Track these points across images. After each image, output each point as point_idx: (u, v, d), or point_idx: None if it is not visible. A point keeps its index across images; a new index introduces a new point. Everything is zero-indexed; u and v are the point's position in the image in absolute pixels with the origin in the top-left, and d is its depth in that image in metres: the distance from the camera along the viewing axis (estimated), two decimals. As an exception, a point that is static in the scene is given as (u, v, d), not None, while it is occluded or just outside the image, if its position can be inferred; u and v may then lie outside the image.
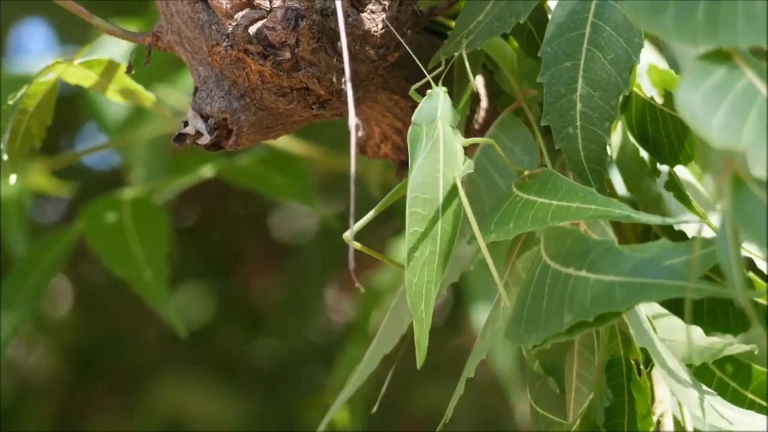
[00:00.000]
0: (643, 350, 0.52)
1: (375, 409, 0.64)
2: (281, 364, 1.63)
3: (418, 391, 1.52)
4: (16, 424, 1.51)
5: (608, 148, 0.57)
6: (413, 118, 0.58)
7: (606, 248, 0.49)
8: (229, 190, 1.36)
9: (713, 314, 0.59)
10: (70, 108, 1.31)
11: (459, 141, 0.58)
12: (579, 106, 0.57)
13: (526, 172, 0.59)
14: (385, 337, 0.63)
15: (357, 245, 0.56)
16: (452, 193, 0.57)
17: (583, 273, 0.49)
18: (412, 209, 0.57)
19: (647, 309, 0.55)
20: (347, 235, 0.56)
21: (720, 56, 0.45)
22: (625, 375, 0.52)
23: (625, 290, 0.47)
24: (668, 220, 0.52)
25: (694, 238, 0.48)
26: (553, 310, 0.48)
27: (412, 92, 0.60)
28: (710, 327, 0.59)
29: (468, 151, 0.59)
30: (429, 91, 0.59)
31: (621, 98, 0.57)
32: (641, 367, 0.51)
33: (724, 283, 0.47)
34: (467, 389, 0.56)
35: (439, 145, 0.57)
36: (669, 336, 0.55)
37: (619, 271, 0.48)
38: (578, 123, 0.57)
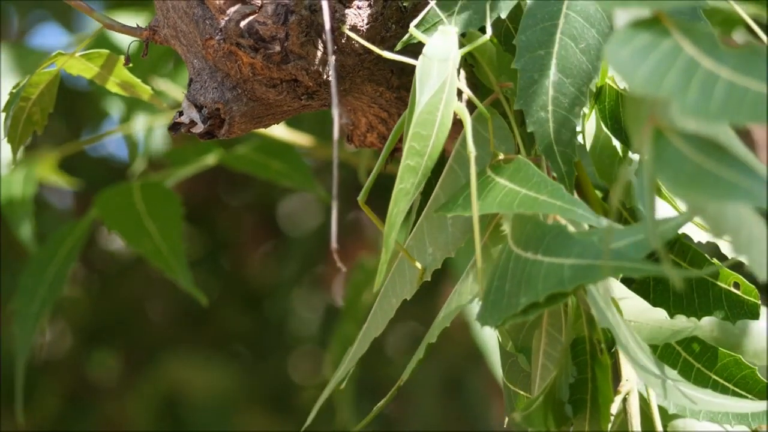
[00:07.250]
0: (608, 331, 0.53)
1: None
2: (280, 342, 1.64)
3: (387, 368, 1.51)
4: (30, 397, 1.52)
5: (578, 133, 0.57)
6: (425, 50, 0.57)
7: (558, 233, 0.49)
8: (228, 176, 1.37)
9: (678, 297, 0.59)
10: (85, 104, 1.31)
11: (458, 86, 0.58)
12: (551, 91, 0.57)
13: (501, 156, 0.59)
14: (375, 321, 0.63)
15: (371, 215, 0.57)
16: (441, 132, 0.57)
17: (539, 257, 0.49)
18: (410, 143, 0.57)
19: (615, 292, 0.56)
20: (360, 198, 0.58)
21: (650, 22, 0.45)
22: (588, 354, 0.52)
23: (571, 272, 0.47)
24: (617, 226, 0.52)
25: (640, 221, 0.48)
26: (513, 292, 0.49)
27: (412, 29, 0.59)
28: (675, 309, 0.59)
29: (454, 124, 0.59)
30: (442, 27, 0.58)
31: (593, 85, 0.57)
32: (602, 346, 0.52)
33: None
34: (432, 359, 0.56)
35: (446, 87, 0.57)
36: (635, 318, 0.56)
37: (568, 254, 0.48)
38: (550, 108, 0.57)
